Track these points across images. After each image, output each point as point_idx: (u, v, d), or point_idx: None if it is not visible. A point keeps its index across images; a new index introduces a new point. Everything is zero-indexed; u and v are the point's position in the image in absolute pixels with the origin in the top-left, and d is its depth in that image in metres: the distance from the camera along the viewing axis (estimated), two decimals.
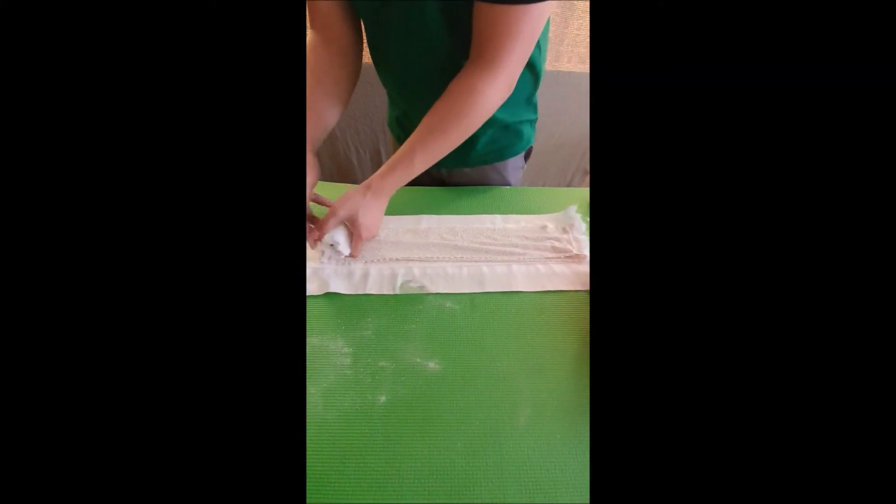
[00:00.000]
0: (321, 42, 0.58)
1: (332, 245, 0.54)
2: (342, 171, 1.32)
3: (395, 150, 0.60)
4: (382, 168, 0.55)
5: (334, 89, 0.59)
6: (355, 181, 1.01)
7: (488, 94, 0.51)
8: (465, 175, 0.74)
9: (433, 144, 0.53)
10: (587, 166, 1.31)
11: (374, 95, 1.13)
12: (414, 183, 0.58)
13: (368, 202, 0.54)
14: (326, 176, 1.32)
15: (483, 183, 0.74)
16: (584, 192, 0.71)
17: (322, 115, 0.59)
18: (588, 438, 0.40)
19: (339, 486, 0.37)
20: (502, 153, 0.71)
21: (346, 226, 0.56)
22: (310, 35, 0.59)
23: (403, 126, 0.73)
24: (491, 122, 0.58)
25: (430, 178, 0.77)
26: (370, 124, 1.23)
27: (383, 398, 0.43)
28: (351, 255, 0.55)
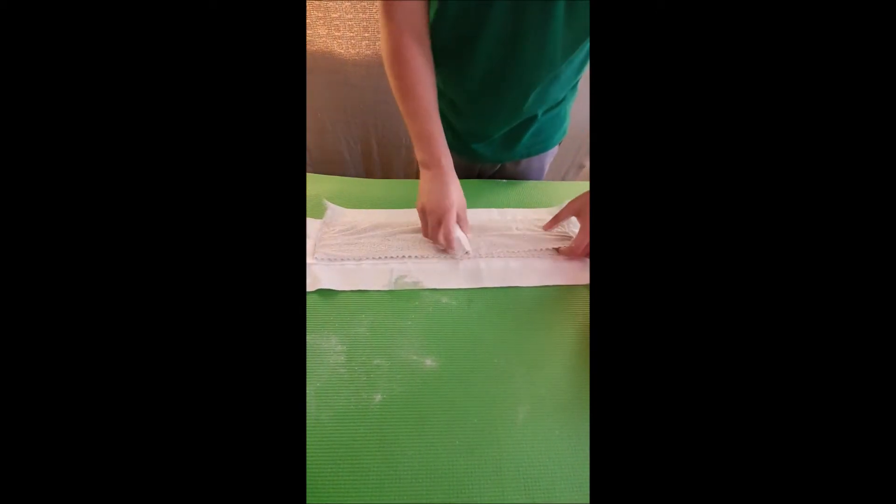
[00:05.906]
0: (413, 41, 0.51)
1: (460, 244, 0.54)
2: (333, 165, 1.30)
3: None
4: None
5: (434, 88, 0.54)
6: (346, 174, 0.99)
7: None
8: (507, 169, 0.74)
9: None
10: (581, 161, 1.31)
11: (367, 88, 1.11)
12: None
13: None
14: (317, 168, 1.30)
15: (524, 176, 0.74)
16: (582, 186, 0.70)
17: (437, 120, 0.54)
18: (587, 435, 0.40)
19: (335, 488, 0.36)
20: (546, 144, 0.70)
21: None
22: (392, 35, 0.51)
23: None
24: (539, 110, 0.57)
25: (479, 173, 0.76)
26: (361, 117, 1.21)
27: (379, 397, 0.42)
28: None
